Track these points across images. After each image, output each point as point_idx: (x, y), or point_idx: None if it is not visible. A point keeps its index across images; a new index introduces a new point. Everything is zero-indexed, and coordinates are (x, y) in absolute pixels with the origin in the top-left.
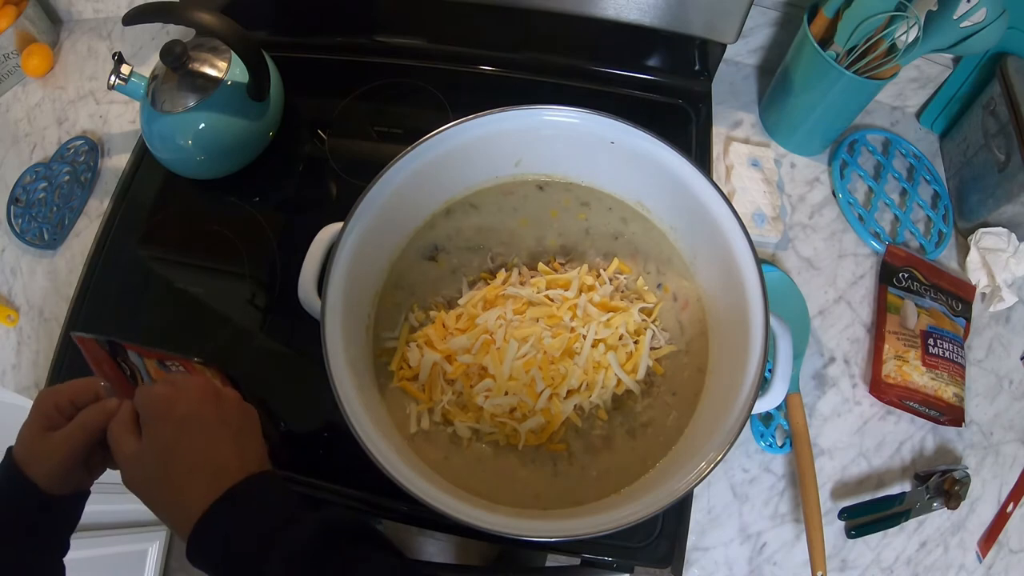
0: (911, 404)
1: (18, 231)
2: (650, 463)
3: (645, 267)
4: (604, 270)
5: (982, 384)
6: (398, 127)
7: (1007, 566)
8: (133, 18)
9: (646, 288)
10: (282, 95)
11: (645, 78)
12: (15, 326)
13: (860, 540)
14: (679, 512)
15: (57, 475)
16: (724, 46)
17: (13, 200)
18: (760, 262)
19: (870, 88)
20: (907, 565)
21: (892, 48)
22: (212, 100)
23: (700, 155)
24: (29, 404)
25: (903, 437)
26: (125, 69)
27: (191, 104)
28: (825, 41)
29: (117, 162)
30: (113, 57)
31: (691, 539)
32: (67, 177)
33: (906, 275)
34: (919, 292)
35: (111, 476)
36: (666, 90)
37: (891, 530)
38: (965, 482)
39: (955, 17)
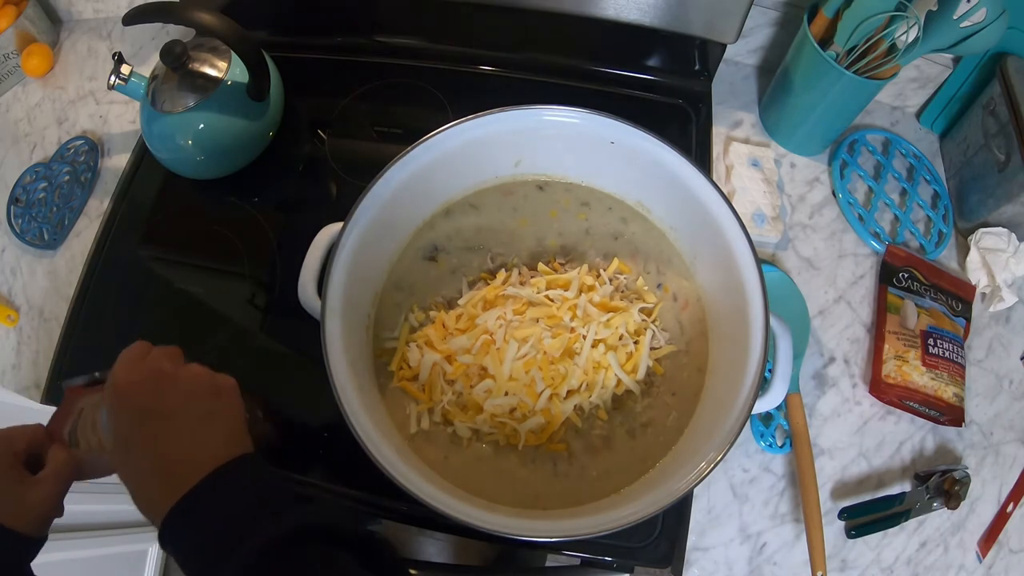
0: (911, 404)
1: (18, 231)
2: (650, 463)
3: (645, 267)
4: (604, 270)
5: (982, 384)
6: (398, 127)
7: (1007, 566)
8: (133, 18)
9: (646, 288)
10: (282, 95)
11: (645, 78)
12: (15, 326)
13: (860, 540)
14: (679, 512)
15: (44, 522)
16: (724, 46)
17: (13, 200)
18: (760, 262)
19: (870, 88)
20: (907, 565)
21: (892, 48)
22: (212, 100)
23: (700, 155)
24: (29, 404)
25: (903, 437)
26: (125, 69)
27: (191, 104)
28: (825, 41)
29: (117, 162)
30: (113, 57)
31: (691, 539)
32: (67, 177)
33: (906, 275)
34: (919, 292)
35: (111, 476)
36: (666, 90)
37: (891, 530)
38: (965, 482)
39: (955, 17)
